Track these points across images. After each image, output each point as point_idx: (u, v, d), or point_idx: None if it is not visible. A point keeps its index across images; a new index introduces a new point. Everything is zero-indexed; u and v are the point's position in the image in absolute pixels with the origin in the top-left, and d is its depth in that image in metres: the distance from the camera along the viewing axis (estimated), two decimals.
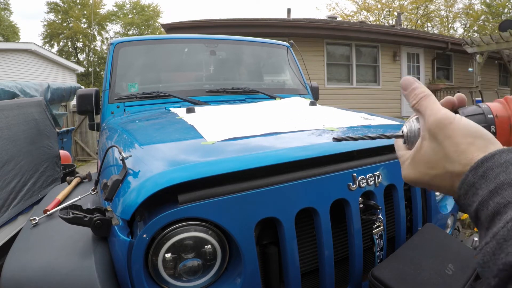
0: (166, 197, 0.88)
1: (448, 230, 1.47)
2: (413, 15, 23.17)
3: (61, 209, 0.96)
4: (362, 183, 1.07)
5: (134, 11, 33.24)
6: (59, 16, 30.06)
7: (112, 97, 2.12)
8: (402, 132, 0.48)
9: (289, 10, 13.42)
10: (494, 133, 0.45)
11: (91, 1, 28.90)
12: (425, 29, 23.03)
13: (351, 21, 19.99)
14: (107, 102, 2.11)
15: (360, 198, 1.08)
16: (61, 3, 29.76)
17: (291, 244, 0.96)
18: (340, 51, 10.46)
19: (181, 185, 0.86)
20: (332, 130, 1.27)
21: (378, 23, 21.66)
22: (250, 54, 2.69)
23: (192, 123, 1.39)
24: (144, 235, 0.83)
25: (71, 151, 5.18)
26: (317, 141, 1.16)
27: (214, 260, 0.92)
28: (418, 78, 11.18)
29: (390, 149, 1.17)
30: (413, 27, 21.83)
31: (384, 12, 22.72)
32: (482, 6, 23.31)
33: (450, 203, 1.51)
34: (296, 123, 1.37)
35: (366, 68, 10.66)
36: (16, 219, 2.00)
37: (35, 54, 12.00)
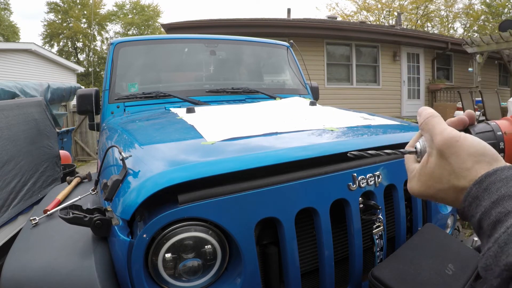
0: (166, 197, 0.88)
1: (448, 230, 1.47)
2: (413, 15, 23.17)
3: (61, 209, 0.96)
4: (362, 183, 1.07)
5: (134, 11, 33.25)
6: (59, 16, 30.06)
7: (112, 97, 2.12)
8: (416, 148, 0.51)
9: (289, 10, 13.43)
10: (503, 149, 0.48)
11: (91, 1, 28.94)
12: (425, 29, 23.03)
13: (351, 21, 20.00)
14: (107, 102, 2.11)
15: (360, 198, 1.08)
16: (61, 3, 29.77)
17: (291, 244, 0.96)
18: (340, 51, 10.46)
19: (181, 185, 0.86)
20: (332, 130, 1.27)
21: (378, 23, 21.67)
22: (250, 54, 2.69)
23: (192, 123, 1.39)
24: (144, 235, 0.83)
25: (71, 151, 5.18)
26: (317, 141, 1.16)
27: (214, 260, 0.92)
28: (418, 78, 11.26)
29: (390, 149, 1.17)
30: (413, 27, 21.84)
31: (384, 12, 22.73)
32: (482, 6, 23.32)
33: None
34: (296, 123, 1.37)
35: (366, 68, 10.67)
36: (16, 219, 2.00)
37: (35, 54, 12.00)
